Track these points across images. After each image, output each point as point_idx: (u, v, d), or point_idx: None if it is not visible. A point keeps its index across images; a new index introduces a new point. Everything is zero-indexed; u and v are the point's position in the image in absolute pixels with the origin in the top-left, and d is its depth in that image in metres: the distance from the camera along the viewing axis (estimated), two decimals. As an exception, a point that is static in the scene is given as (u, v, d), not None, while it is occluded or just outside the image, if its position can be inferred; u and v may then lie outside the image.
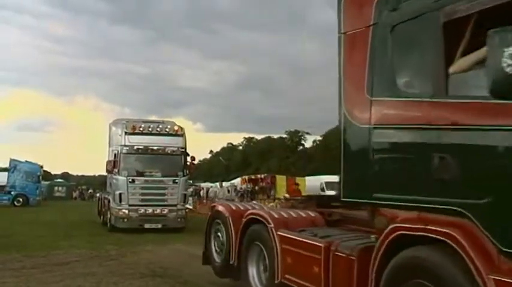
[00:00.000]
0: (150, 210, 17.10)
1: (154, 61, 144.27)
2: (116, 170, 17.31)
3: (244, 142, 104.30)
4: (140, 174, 17.41)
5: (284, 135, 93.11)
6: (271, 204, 20.71)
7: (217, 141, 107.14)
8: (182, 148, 17.96)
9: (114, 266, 10.20)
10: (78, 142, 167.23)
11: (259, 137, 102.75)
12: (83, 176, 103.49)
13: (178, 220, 17.51)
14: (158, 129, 17.66)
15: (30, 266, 10.14)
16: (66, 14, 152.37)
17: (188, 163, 18.25)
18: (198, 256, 10.90)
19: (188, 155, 18.15)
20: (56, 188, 58.72)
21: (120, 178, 17.12)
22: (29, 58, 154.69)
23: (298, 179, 28.56)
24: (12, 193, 38.05)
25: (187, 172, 18.18)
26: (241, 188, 31.88)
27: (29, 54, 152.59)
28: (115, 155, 17.76)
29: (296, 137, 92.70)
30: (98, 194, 54.34)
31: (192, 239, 14.34)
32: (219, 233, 7.79)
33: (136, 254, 11.90)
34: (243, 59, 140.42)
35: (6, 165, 42.25)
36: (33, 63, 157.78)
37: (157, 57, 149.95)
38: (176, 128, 18.10)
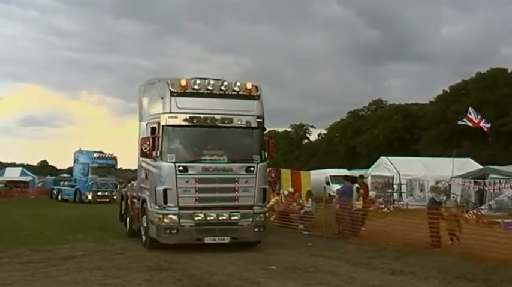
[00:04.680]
0: (212, 215, 11.22)
1: (159, 55, 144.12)
2: (157, 152, 11.30)
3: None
4: (196, 159, 11.42)
5: (289, 129, 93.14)
6: (276, 198, 20.82)
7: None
8: (259, 118, 11.81)
9: (119, 260, 10.29)
10: (82, 137, 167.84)
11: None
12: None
13: (255, 229, 11.54)
14: (223, 88, 11.52)
15: (37, 260, 10.24)
16: (69, 7, 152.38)
17: (266, 141, 12.14)
18: (203, 249, 11.00)
19: (265, 129, 12.18)
20: (61, 182, 58.79)
21: (164, 164, 11.15)
22: (32, 52, 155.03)
23: (303, 173, 28.48)
24: (75, 186, 36.28)
25: (266, 155, 12.04)
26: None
27: (33, 48, 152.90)
28: (153, 129, 11.70)
29: (301, 130, 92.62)
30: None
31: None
32: None
33: (141, 248, 11.95)
34: (248, 53, 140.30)
35: (14, 160, 41.33)
36: (38, 58, 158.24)
37: (162, 51, 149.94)
38: (249, 86, 11.77)
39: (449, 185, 25.70)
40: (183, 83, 11.29)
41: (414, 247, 12.05)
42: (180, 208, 11.06)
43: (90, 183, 34.78)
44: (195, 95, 11.36)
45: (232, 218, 11.37)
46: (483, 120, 26.60)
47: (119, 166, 38.83)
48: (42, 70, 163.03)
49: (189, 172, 11.16)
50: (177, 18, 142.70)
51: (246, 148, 12.03)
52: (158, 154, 11.28)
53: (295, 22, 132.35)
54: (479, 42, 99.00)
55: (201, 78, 11.55)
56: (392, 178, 29.21)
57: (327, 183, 33.20)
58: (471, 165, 28.90)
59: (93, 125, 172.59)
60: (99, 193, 34.81)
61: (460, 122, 27.11)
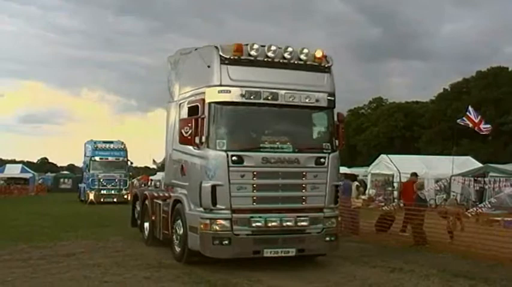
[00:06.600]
0: (274, 221, 8.86)
1: (161, 52, 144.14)
2: (201, 138, 8.89)
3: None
4: (253, 146, 9.02)
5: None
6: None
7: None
8: (331, 95, 9.44)
9: (119, 258, 10.28)
10: (83, 134, 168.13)
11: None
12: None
13: (326, 239, 9.24)
14: (286, 55, 9.10)
15: (38, 257, 10.25)
16: (70, 4, 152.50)
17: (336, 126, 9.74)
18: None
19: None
20: (61, 180, 58.96)
21: (212, 153, 8.74)
22: (34, 49, 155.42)
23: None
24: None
25: (337, 143, 9.67)
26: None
27: (34, 45, 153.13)
28: (193, 109, 9.24)
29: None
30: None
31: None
32: None
33: (141, 245, 11.94)
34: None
35: (14, 157, 39.74)
36: (39, 55, 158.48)
37: (162, 47, 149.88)
38: (319, 55, 9.33)
39: (449, 183, 25.72)
40: (238, 47, 8.79)
41: (414, 245, 12.08)
42: (233, 211, 8.66)
43: (90, 180, 29.56)
44: (252, 64, 8.93)
45: (299, 224, 8.96)
46: (483, 122, 26.37)
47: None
48: (43, 67, 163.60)
49: (245, 164, 8.71)
50: (178, 15, 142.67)
51: (315, 133, 9.83)
52: (203, 139, 8.82)
53: (296, 19, 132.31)
54: (480, 40, 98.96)
55: (261, 45, 9.02)
56: (393, 176, 29.21)
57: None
58: (471, 163, 28.91)
59: (94, 122, 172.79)
60: (104, 192, 29.42)
61: (459, 121, 27.03)
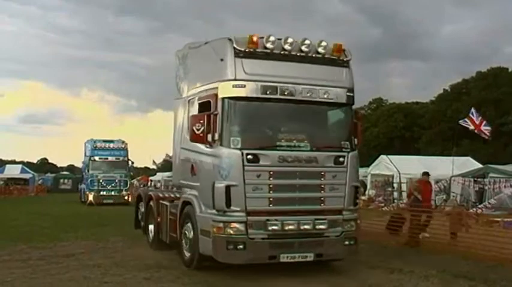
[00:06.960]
0: (291, 224, 8.43)
1: (161, 52, 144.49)
2: (214, 135, 8.42)
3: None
4: (269, 144, 8.56)
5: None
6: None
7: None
8: (350, 91, 8.99)
9: (119, 258, 10.28)
10: (83, 134, 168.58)
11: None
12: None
13: (345, 243, 8.78)
14: (304, 48, 8.70)
15: (37, 257, 10.26)
16: (70, 4, 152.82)
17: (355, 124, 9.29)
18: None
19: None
20: (61, 180, 58.96)
21: (225, 152, 8.29)
22: (34, 49, 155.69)
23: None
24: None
25: (357, 141, 9.17)
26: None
27: (34, 45, 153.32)
28: (204, 105, 8.78)
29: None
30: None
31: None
32: None
33: (141, 246, 11.92)
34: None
35: (14, 157, 39.60)
36: (39, 55, 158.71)
37: (162, 47, 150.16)
38: (338, 48, 8.96)
39: (449, 184, 25.72)
40: (253, 39, 8.32)
41: (413, 246, 12.08)
42: (248, 213, 8.16)
43: (89, 181, 29.04)
44: (268, 57, 8.46)
45: (317, 227, 8.52)
46: (483, 123, 26.28)
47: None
48: (43, 67, 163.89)
49: (261, 163, 8.23)
50: (178, 15, 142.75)
51: (334, 130, 9.43)
52: (216, 137, 8.34)
53: (296, 19, 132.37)
54: (480, 41, 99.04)
55: (278, 38, 8.59)
56: (392, 176, 29.21)
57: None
58: (471, 164, 28.91)
59: (94, 123, 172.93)
60: (103, 193, 28.93)
61: (461, 122, 26.97)
